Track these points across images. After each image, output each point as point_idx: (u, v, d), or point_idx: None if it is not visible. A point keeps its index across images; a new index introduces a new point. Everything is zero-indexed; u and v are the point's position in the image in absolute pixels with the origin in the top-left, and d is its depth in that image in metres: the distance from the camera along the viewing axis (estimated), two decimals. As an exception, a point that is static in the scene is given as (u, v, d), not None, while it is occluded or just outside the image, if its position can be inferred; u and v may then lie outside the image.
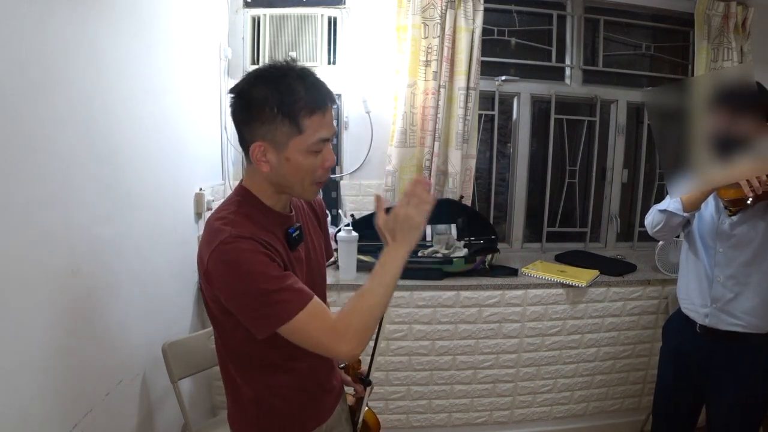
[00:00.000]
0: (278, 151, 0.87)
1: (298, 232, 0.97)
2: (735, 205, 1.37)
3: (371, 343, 1.09)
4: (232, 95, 0.90)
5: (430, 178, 2.21)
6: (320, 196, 1.25)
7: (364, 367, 1.20)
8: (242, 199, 0.93)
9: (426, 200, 0.89)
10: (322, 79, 0.91)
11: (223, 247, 0.83)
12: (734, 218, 1.39)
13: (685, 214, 1.45)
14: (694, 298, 1.49)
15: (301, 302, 0.84)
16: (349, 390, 1.22)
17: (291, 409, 1.01)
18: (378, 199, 0.92)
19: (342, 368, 1.18)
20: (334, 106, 0.92)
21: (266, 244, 0.87)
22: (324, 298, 1.11)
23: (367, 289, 0.88)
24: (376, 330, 1.11)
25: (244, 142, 0.91)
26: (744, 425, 1.44)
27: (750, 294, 1.38)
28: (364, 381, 1.17)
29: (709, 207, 1.47)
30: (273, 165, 0.89)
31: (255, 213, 0.92)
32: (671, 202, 1.47)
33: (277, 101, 0.85)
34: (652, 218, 1.55)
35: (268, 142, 0.87)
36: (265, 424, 1.00)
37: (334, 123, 0.94)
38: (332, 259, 2.10)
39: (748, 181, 1.24)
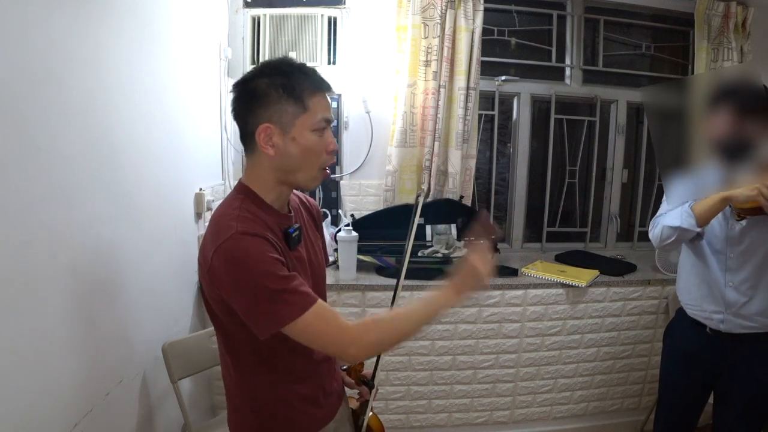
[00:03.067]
0: (284, 131, 0.89)
1: (297, 232, 0.97)
2: (749, 213, 1.34)
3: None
4: (236, 87, 0.92)
5: (430, 179, 2.21)
6: (316, 199, 1.26)
7: (367, 370, 1.18)
8: (245, 197, 0.93)
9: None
10: (324, 76, 0.94)
11: (229, 244, 0.83)
12: (743, 222, 1.37)
13: (699, 229, 1.39)
14: (705, 304, 1.46)
15: (306, 304, 0.84)
16: (351, 393, 1.20)
17: (291, 413, 1.00)
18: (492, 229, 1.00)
19: (344, 370, 1.16)
20: (331, 95, 0.96)
21: (273, 242, 0.87)
22: (324, 298, 1.10)
23: (404, 313, 0.91)
24: None
25: (247, 130, 0.91)
26: (755, 425, 1.43)
27: (763, 295, 1.37)
28: (368, 384, 1.14)
29: None
30: (279, 148, 0.89)
31: (257, 210, 0.91)
32: (683, 217, 1.39)
33: (282, 83, 0.88)
34: (660, 232, 1.46)
35: (274, 124, 0.88)
36: (265, 428, 1.00)
37: (333, 115, 0.97)
38: (332, 260, 2.10)
39: (762, 193, 1.22)
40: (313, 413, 1.03)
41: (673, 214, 1.44)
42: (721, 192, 1.32)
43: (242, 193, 0.93)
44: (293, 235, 0.95)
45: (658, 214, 1.53)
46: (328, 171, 0.96)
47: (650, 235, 1.53)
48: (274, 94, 0.88)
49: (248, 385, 0.98)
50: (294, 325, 0.84)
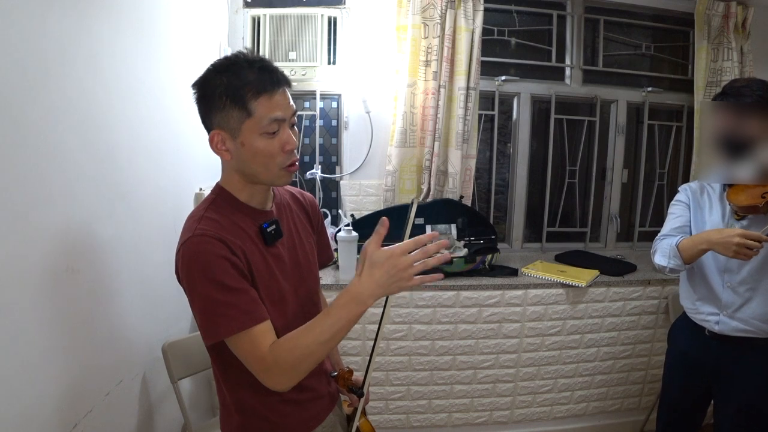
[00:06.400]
0: (234, 137, 0.87)
1: (273, 227, 0.95)
2: (747, 212, 1.35)
3: (367, 351, 1.06)
4: (193, 89, 0.91)
5: (430, 179, 2.21)
6: (314, 195, 1.22)
7: (357, 376, 1.15)
8: (215, 197, 0.94)
9: (428, 261, 0.80)
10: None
11: (187, 246, 0.85)
12: (744, 222, 1.37)
13: (686, 267, 1.44)
14: (702, 306, 1.47)
15: (245, 323, 0.83)
16: (345, 398, 1.20)
17: (273, 415, 0.98)
18: (384, 224, 0.82)
19: (333, 377, 1.14)
20: (287, 88, 0.90)
21: (233, 246, 0.86)
22: (316, 298, 1.09)
23: (312, 326, 0.84)
24: (372, 344, 1.07)
25: (208, 133, 0.91)
26: (752, 429, 1.43)
27: (760, 299, 1.36)
28: (357, 392, 1.11)
29: (715, 213, 1.44)
30: (232, 152, 0.89)
31: (227, 209, 0.91)
32: (671, 256, 1.43)
33: (226, 87, 0.85)
34: (656, 262, 1.50)
35: (223, 130, 0.87)
36: (247, 426, 0.99)
37: (291, 104, 0.90)
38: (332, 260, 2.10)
39: (739, 252, 1.24)
40: (298, 415, 1.02)
41: (663, 246, 1.47)
42: (705, 236, 1.35)
43: (215, 193, 0.95)
44: (268, 230, 0.94)
45: (659, 235, 1.54)
46: (294, 167, 0.92)
47: (651, 257, 1.55)
48: (218, 100, 0.86)
49: (231, 383, 0.97)
50: (228, 340, 0.85)
